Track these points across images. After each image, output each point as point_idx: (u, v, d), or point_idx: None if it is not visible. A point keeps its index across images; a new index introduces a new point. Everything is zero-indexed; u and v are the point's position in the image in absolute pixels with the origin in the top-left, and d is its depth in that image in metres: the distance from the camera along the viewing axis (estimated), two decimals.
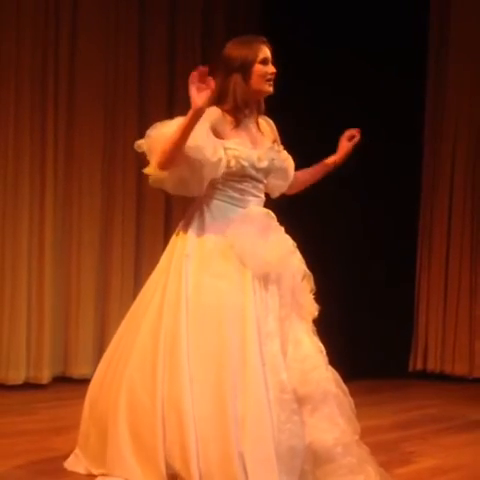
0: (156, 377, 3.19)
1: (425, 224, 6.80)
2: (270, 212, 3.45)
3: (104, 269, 6.12)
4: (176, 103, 6.38)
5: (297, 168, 3.64)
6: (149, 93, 6.33)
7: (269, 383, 3.14)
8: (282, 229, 3.43)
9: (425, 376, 6.64)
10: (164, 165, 3.24)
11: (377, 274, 6.58)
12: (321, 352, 3.33)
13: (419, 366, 6.71)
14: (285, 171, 3.52)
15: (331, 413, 3.23)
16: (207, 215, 3.34)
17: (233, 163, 3.31)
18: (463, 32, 6.61)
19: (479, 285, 6.60)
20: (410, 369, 6.74)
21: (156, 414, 3.15)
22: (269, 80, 3.39)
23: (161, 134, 3.24)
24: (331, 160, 3.69)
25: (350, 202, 6.64)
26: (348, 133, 3.70)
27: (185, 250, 3.30)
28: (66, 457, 3.56)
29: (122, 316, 6.04)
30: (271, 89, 3.40)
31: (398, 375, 6.55)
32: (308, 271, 3.41)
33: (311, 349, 3.30)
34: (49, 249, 5.77)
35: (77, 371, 5.90)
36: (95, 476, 3.34)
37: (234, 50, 3.38)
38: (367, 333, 6.34)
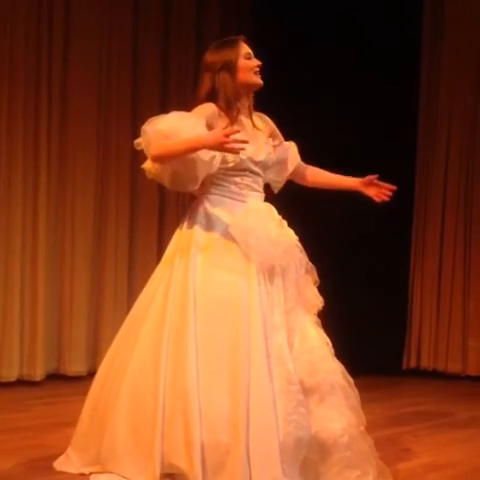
0: (158, 375, 3.18)
1: (419, 222, 6.80)
2: (271, 206, 3.47)
3: (98, 265, 6.12)
4: (169, 100, 6.38)
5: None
6: (142, 91, 6.32)
7: (274, 375, 3.16)
8: (285, 222, 3.45)
9: (418, 374, 6.65)
10: (158, 162, 3.27)
11: (371, 272, 6.58)
12: (327, 344, 3.36)
13: (413, 364, 6.72)
14: (284, 162, 3.54)
15: (338, 404, 3.26)
16: (210, 211, 3.36)
17: (231, 158, 3.33)
18: (457, 32, 6.61)
19: (472, 283, 6.61)
20: (404, 366, 6.74)
21: (157, 411, 3.15)
22: (257, 72, 3.44)
23: (157, 131, 3.24)
24: (349, 185, 3.67)
25: (346, 201, 6.63)
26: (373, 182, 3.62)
27: (191, 247, 3.31)
28: (60, 454, 3.54)
29: (116, 313, 6.14)
30: (260, 81, 3.45)
31: (392, 372, 6.55)
32: (311, 264, 3.43)
33: (318, 341, 3.33)
34: (42, 246, 5.76)
35: (70, 368, 5.90)
36: (87, 475, 3.33)
37: (214, 54, 3.43)
38: (361, 331, 6.34)
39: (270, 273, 3.29)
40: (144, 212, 6.36)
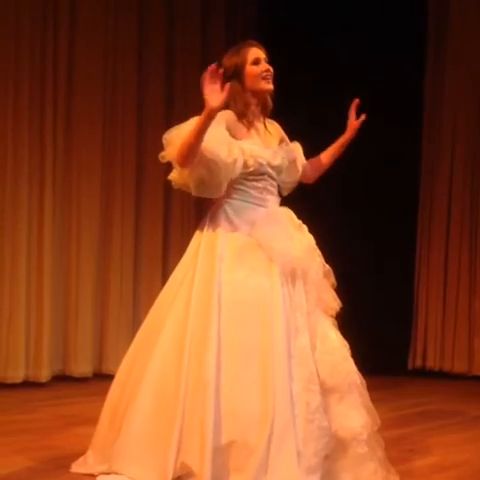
0: (180, 380, 3.17)
1: (424, 222, 6.80)
2: (290, 210, 3.49)
3: (103, 267, 6.13)
4: (174, 101, 6.38)
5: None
6: (148, 91, 6.32)
7: (296, 376, 3.18)
8: (305, 227, 3.48)
9: (424, 374, 6.65)
10: (182, 164, 3.27)
11: (377, 272, 6.58)
12: (345, 346, 3.40)
13: (418, 363, 6.72)
14: (294, 163, 3.54)
15: (356, 403, 3.31)
16: (232, 216, 3.37)
17: (251, 162, 3.35)
18: (461, 26, 6.63)
19: (478, 283, 6.61)
20: (409, 366, 6.75)
21: (176, 417, 3.14)
22: (265, 78, 3.40)
23: (178, 136, 3.26)
24: (342, 140, 3.74)
25: (349, 200, 6.64)
26: (354, 108, 3.76)
27: (216, 250, 3.31)
28: (66, 455, 3.56)
29: (121, 314, 6.15)
30: (270, 86, 3.41)
31: (397, 372, 6.56)
32: (328, 267, 3.46)
33: (338, 342, 3.37)
34: (48, 248, 5.78)
35: (76, 370, 5.91)
36: (95, 476, 3.32)
37: (227, 60, 3.42)
38: (367, 331, 6.34)
39: (292, 276, 3.32)
40: (149, 215, 6.36)
